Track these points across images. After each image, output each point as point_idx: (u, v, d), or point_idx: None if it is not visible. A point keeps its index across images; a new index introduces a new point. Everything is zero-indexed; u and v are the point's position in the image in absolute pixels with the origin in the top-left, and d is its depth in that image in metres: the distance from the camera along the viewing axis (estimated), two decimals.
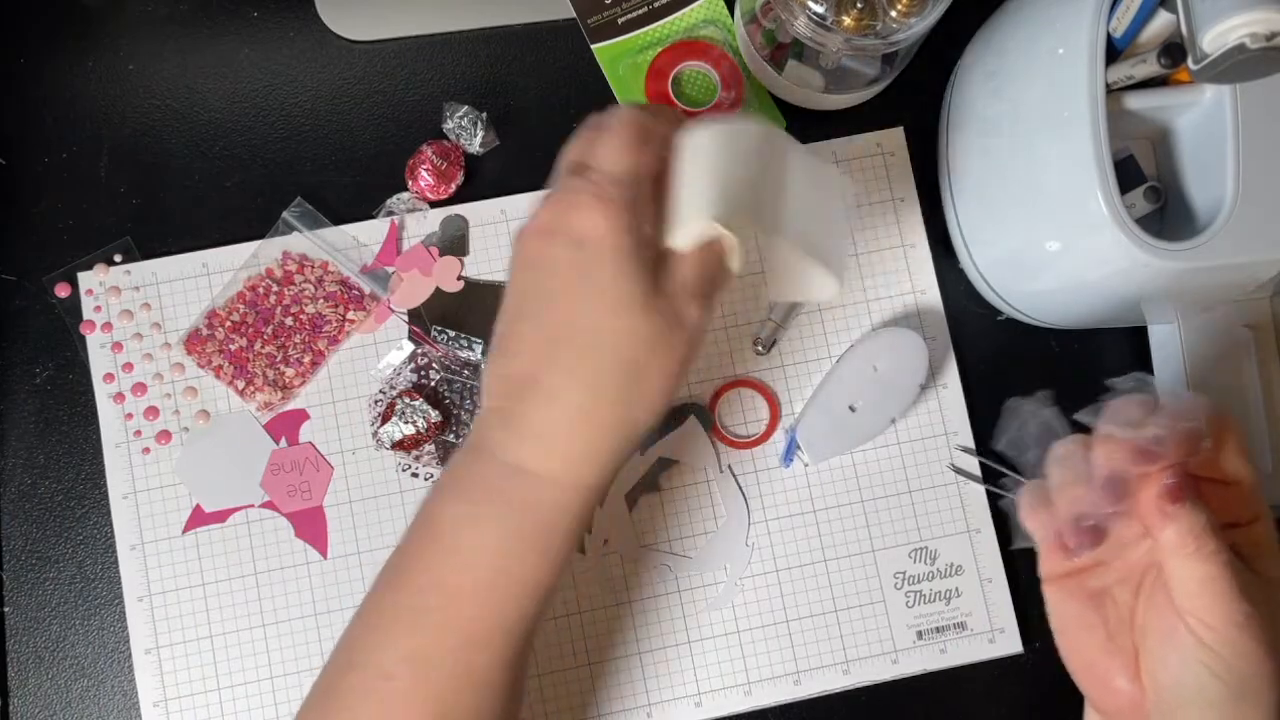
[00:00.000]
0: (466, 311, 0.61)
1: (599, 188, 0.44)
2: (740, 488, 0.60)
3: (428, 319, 0.60)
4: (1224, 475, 0.43)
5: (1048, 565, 0.46)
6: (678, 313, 0.44)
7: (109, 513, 0.58)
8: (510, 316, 0.46)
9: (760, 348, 0.61)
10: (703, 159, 0.46)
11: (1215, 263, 0.52)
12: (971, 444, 0.61)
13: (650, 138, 0.46)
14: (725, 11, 0.64)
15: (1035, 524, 0.45)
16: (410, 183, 0.61)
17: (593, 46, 0.63)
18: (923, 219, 0.63)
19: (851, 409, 0.60)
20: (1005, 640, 0.59)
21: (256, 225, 0.61)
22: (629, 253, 0.43)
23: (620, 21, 0.63)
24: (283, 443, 0.59)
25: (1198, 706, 0.41)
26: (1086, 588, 0.45)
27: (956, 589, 0.60)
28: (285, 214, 0.61)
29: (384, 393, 0.60)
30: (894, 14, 0.54)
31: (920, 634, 0.59)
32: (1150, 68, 0.53)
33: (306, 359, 0.60)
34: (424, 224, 0.61)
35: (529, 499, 0.45)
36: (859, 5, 0.53)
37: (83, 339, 0.60)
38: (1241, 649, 0.40)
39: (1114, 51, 0.54)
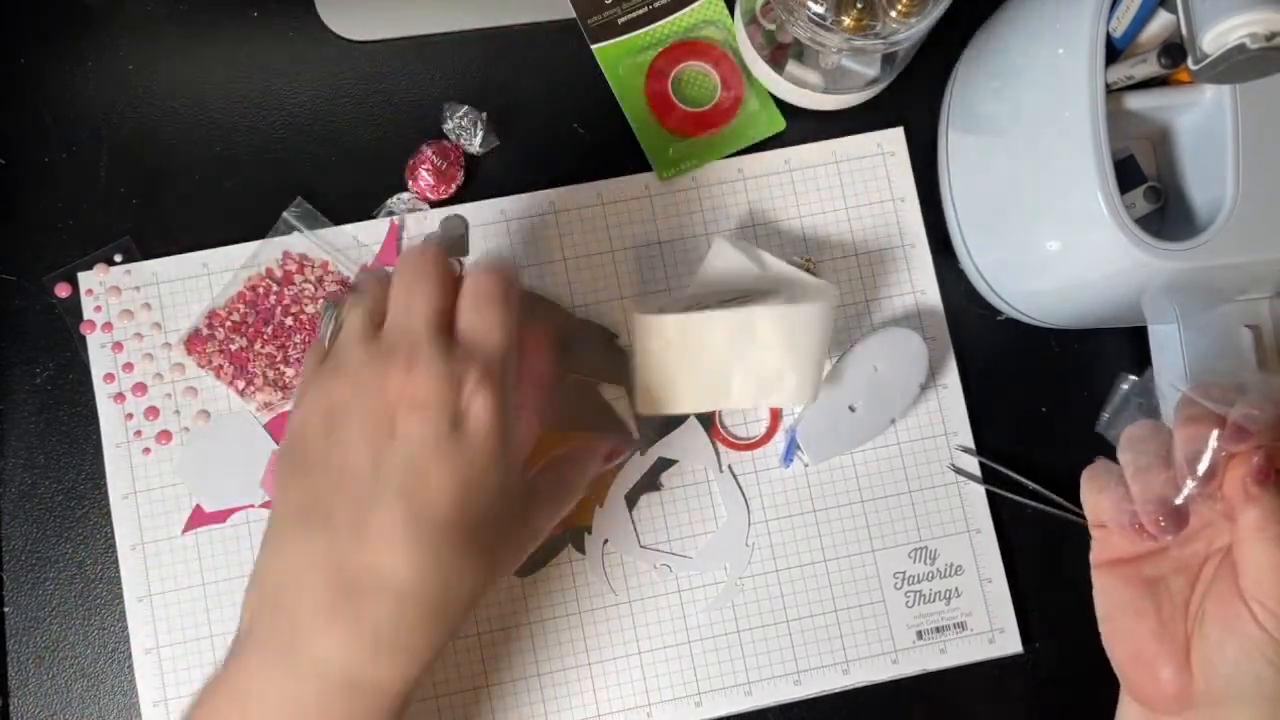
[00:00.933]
0: None
1: (486, 368, 0.41)
2: (740, 487, 0.60)
3: None
4: None
5: (1103, 550, 0.46)
6: (526, 514, 0.45)
7: (109, 513, 0.58)
8: (357, 491, 0.40)
9: None
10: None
11: (1215, 262, 0.52)
12: (972, 444, 0.61)
13: (513, 306, 0.44)
14: (725, 11, 0.64)
15: (1102, 506, 0.45)
16: (410, 183, 0.61)
17: (593, 47, 0.63)
18: (922, 219, 0.63)
19: (851, 409, 0.60)
20: (1005, 640, 0.59)
21: (257, 225, 0.61)
22: (507, 443, 0.42)
23: (620, 22, 0.63)
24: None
25: (1251, 700, 0.41)
26: (1142, 575, 0.45)
27: (956, 589, 0.60)
28: (285, 214, 0.61)
29: None
30: (894, 14, 0.54)
31: (920, 634, 0.59)
32: (1150, 68, 0.53)
33: None
34: (424, 224, 0.61)
35: (360, 714, 0.40)
36: (859, 5, 0.53)
37: (83, 339, 0.60)
38: None
39: (1114, 51, 0.54)
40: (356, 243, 0.61)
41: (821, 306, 0.53)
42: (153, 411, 0.59)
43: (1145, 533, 0.42)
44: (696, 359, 0.54)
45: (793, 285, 0.58)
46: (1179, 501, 0.41)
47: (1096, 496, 0.45)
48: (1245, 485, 0.40)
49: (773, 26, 0.59)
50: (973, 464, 0.61)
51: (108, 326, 0.60)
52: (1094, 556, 0.47)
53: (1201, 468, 0.41)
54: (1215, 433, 0.40)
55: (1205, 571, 0.44)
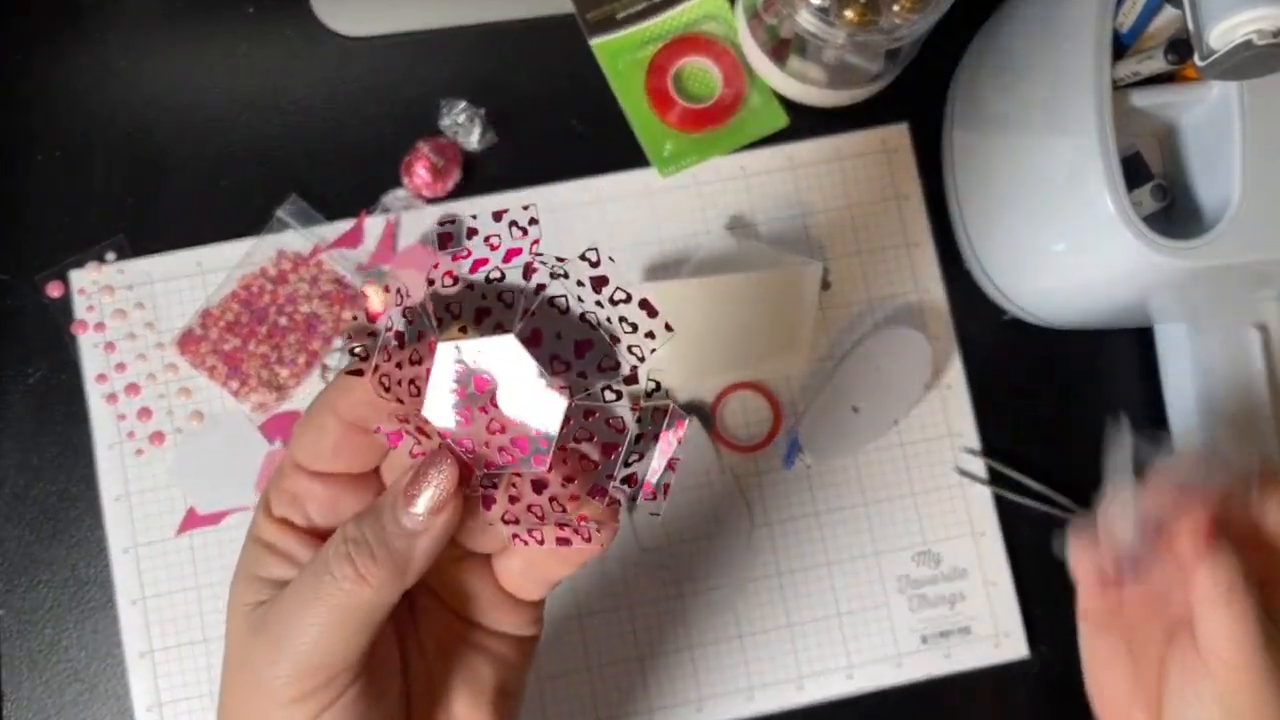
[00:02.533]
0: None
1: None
2: (742, 490, 0.59)
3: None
4: (1264, 532, 0.44)
5: (1086, 599, 0.48)
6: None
7: (102, 515, 0.58)
8: None
9: None
10: None
11: (1222, 261, 0.51)
12: (977, 445, 0.60)
13: None
14: (726, 6, 0.63)
15: (1080, 556, 0.47)
16: (406, 180, 0.60)
17: (591, 42, 0.62)
18: (927, 217, 0.62)
19: (854, 410, 0.59)
20: (1010, 644, 0.59)
21: (251, 222, 0.60)
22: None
23: (619, 16, 0.63)
24: (277, 444, 0.59)
25: None
26: (1121, 625, 0.47)
27: (961, 593, 0.59)
28: (279, 211, 0.60)
29: None
30: (897, 9, 0.53)
31: (924, 638, 0.58)
32: (1157, 64, 0.53)
33: (301, 359, 0.59)
34: (421, 222, 0.60)
35: None
36: (862, 0, 0.53)
37: (74, 339, 0.59)
38: (1263, 697, 0.41)
39: (1120, 47, 0.53)
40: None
41: (795, 270, 0.55)
42: (146, 413, 0.58)
43: (1109, 579, 0.45)
44: (679, 328, 0.54)
45: (779, 264, 0.58)
46: (1133, 553, 0.45)
47: (1076, 546, 0.47)
48: (1194, 545, 0.42)
49: (775, 21, 0.58)
50: (978, 466, 0.60)
51: (100, 326, 0.59)
52: (1079, 607, 0.49)
53: (1150, 527, 0.44)
54: (1155, 492, 0.44)
55: (1179, 630, 0.46)
